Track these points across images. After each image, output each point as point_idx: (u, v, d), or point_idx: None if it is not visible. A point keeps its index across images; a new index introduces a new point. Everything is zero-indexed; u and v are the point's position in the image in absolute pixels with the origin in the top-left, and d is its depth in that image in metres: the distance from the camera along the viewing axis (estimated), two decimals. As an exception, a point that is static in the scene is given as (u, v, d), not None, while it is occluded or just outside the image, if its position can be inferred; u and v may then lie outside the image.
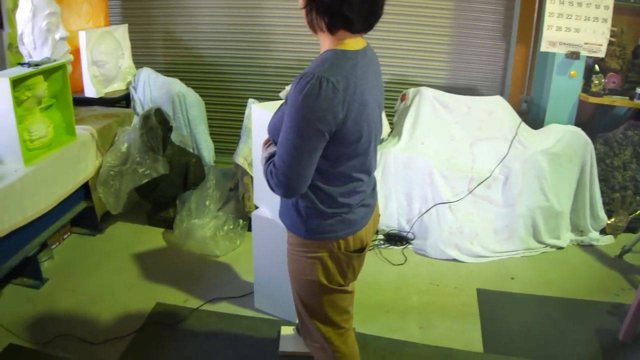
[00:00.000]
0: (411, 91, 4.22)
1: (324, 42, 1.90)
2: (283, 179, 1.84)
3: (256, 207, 3.24)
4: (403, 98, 4.25)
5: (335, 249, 2.01)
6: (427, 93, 4.14)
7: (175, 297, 3.51)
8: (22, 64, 3.57)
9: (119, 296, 3.53)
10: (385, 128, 4.09)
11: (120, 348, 3.08)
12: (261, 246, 3.18)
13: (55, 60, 3.71)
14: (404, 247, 4.01)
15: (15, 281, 3.64)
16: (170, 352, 3.07)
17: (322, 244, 2.01)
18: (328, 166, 1.90)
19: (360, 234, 2.06)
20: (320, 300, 2.13)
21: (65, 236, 4.17)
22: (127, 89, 4.85)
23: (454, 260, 3.86)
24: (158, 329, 3.23)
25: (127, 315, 3.35)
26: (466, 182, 3.93)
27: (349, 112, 1.79)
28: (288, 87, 4.23)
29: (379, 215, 2.23)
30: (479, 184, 3.91)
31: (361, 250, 2.09)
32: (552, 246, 4.03)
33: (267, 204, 3.10)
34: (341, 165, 1.92)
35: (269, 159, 1.95)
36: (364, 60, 1.89)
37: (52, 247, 4.00)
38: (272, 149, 2.00)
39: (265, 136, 2.13)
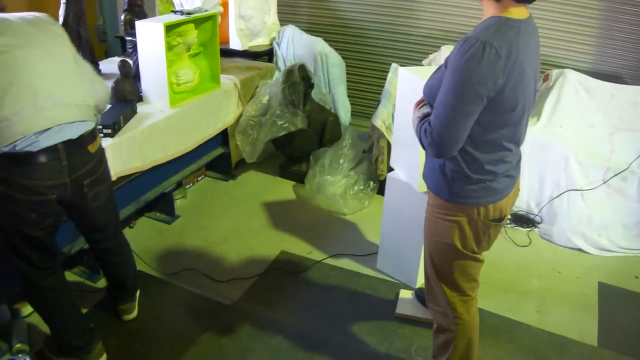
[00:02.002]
0: (554, 72, 4.10)
1: (488, 9, 1.89)
2: (437, 138, 1.87)
3: (390, 169, 3.27)
4: (546, 79, 4.14)
5: (475, 215, 2.03)
6: (571, 76, 4.01)
7: (299, 248, 3.63)
8: (174, 12, 3.73)
9: (245, 240, 3.69)
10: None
11: (243, 288, 3.24)
12: (392, 208, 3.21)
13: (206, 11, 3.85)
14: (529, 229, 3.94)
15: (149, 214, 3.90)
16: (290, 299, 3.18)
17: (463, 208, 2.03)
18: (480, 132, 1.90)
19: (501, 203, 2.06)
20: (451, 264, 2.16)
21: (199, 178, 4.39)
22: (271, 44, 4.98)
23: (579, 249, 3.74)
24: (280, 275, 3.37)
25: (252, 258, 3.50)
26: (602, 171, 3.79)
27: (508, 79, 1.80)
28: (431, 56, 4.21)
29: (519, 189, 2.22)
30: (615, 175, 3.76)
31: (499, 220, 2.09)
32: (682, 251, 3.82)
33: (403, 166, 3.12)
34: (493, 132, 1.92)
35: (423, 118, 1.99)
36: (527, 30, 1.87)
37: (187, 187, 4.23)
38: (425, 109, 2.03)
39: (411, 100, 2.16)
